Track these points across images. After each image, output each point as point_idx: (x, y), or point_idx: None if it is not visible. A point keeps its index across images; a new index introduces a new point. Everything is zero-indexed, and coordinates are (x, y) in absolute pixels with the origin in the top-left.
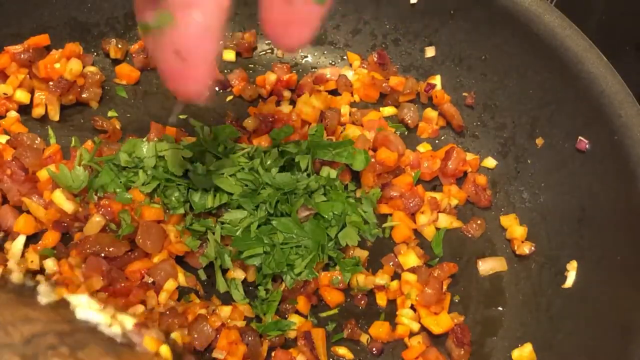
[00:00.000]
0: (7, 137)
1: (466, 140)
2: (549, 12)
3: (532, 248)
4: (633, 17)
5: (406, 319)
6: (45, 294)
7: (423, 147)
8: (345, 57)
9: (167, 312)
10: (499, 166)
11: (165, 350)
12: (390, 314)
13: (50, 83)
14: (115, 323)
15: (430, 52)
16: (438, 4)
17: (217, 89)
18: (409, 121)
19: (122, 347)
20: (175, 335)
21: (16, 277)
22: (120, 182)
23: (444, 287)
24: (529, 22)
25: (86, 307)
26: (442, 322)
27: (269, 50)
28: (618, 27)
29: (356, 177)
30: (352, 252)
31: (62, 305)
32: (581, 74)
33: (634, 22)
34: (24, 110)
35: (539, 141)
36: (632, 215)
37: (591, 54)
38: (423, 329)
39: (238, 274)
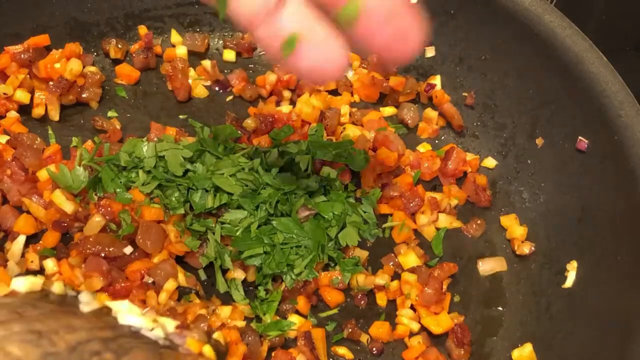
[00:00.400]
0: (7, 137)
1: (466, 140)
2: (549, 12)
3: (532, 248)
4: (633, 17)
5: (406, 319)
6: (87, 303)
7: (423, 147)
8: None
9: (167, 312)
10: (499, 166)
11: (208, 350)
12: (390, 314)
13: (50, 83)
14: (157, 326)
15: (430, 52)
16: (438, 4)
17: (217, 89)
18: (409, 121)
19: (165, 350)
20: (217, 335)
21: (57, 288)
22: (120, 182)
23: (444, 287)
24: (529, 22)
25: (128, 313)
26: (442, 322)
27: None
28: (618, 27)
29: (356, 177)
30: (352, 252)
31: (104, 313)
32: (581, 74)
33: (634, 22)
34: (24, 110)
35: (539, 141)
36: (632, 215)
37: (591, 54)
38: (423, 328)
39: (238, 274)
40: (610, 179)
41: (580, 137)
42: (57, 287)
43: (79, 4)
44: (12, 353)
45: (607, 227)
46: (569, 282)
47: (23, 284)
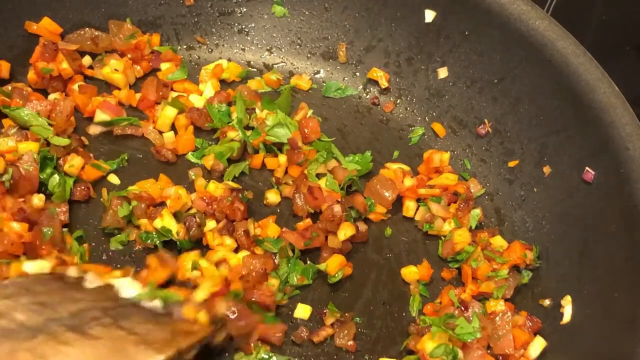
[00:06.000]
0: None
1: (473, 165)
2: (563, 38)
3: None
4: (633, 17)
5: None
6: (91, 281)
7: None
8: (357, 74)
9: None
10: (505, 193)
11: (202, 316)
12: None
13: None
14: (156, 299)
15: (442, 73)
16: (452, 25)
17: None
18: None
19: (162, 316)
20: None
21: (72, 272)
22: None
23: None
24: (543, 47)
25: (129, 287)
26: None
27: (282, 63)
28: (618, 27)
29: None
30: None
31: (107, 288)
32: (592, 102)
33: (634, 22)
34: None
35: (546, 169)
36: (632, 253)
37: (603, 83)
38: None
39: None
40: (614, 214)
41: (587, 168)
42: (72, 271)
43: (94, 8)
44: (17, 318)
45: (607, 262)
46: (566, 316)
47: (32, 267)
